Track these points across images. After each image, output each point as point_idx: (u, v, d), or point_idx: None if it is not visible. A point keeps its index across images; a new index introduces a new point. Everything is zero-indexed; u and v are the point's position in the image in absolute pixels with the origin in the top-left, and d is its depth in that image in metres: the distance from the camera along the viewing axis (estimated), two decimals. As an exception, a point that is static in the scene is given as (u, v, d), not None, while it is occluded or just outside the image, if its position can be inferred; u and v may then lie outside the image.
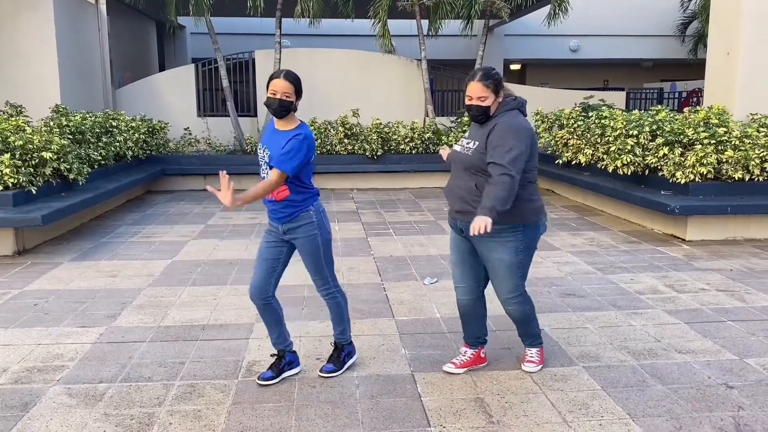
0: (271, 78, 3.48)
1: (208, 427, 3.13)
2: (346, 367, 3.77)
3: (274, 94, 3.42)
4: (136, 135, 10.55)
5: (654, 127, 8.18)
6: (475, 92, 3.40)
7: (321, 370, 3.73)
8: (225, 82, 12.58)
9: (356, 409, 3.32)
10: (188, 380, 3.65)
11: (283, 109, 3.45)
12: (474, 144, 3.46)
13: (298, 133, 3.44)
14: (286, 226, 3.53)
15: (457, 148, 3.59)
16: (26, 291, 5.38)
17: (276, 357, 3.73)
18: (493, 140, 3.35)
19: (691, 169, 7.28)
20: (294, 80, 3.47)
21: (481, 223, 3.14)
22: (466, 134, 3.63)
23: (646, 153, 8.06)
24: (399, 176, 11.81)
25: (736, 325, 4.55)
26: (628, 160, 8.07)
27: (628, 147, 8.11)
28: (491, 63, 17.46)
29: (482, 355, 3.84)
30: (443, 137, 11.98)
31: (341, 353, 3.80)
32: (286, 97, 3.42)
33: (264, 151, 3.51)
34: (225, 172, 3.27)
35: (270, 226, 3.64)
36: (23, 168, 6.93)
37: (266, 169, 3.50)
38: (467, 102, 3.47)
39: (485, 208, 3.20)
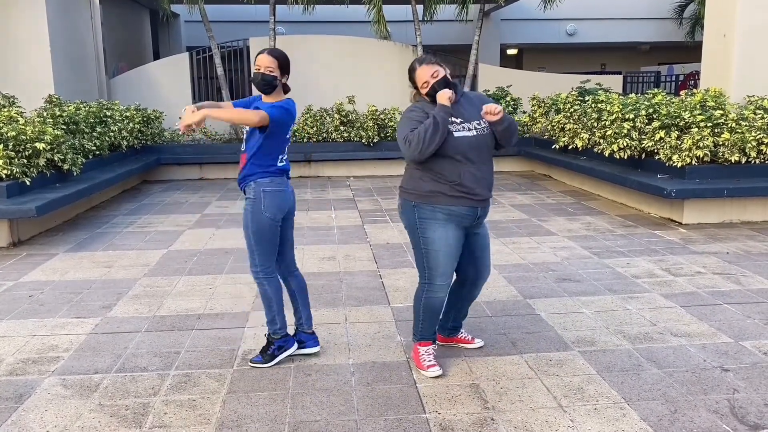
0: (257, 55, 3.52)
1: (203, 416, 3.13)
2: (276, 360, 3.66)
3: (258, 69, 3.46)
4: (131, 124, 10.49)
5: (650, 110, 8.15)
6: (427, 73, 3.37)
7: (251, 360, 3.71)
8: (220, 71, 12.52)
9: (352, 396, 3.32)
10: (183, 370, 3.65)
11: (266, 83, 3.46)
12: (483, 122, 3.42)
13: (280, 103, 3.49)
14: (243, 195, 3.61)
15: (466, 133, 3.35)
16: (21, 282, 5.37)
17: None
18: (491, 104, 3.47)
19: (687, 153, 7.26)
20: (277, 55, 3.50)
21: (495, 108, 3.31)
22: (453, 117, 3.39)
23: (643, 137, 8.04)
24: (395, 163, 11.77)
25: (732, 307, 4.55)
26: (625, 144, 8.05)
27: (625, 131, 8.08)
28: (488, 48, 17.42)
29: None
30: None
31: (270, 346, 3.68)
32: (269, 71, 3.44)
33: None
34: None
35: None
36: (16, 159, 6.89)
37: (244, 139, 3.56)
38: (426, 89, 3.37)
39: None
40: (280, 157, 3.56)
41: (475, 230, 3.54)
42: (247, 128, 3.53)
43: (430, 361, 3.57)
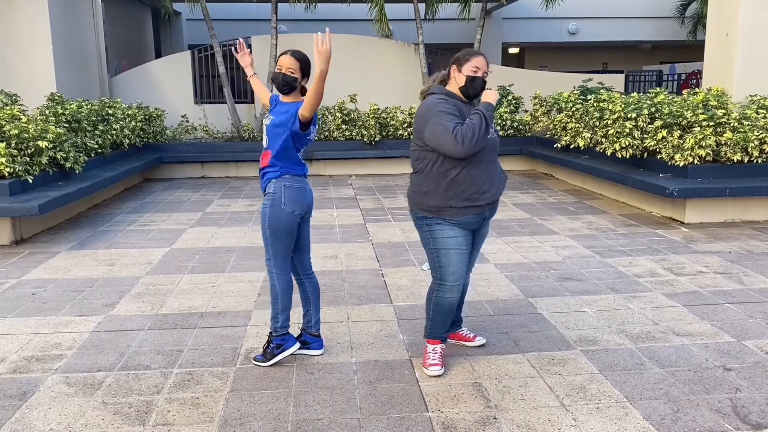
0: (279, 55, 3.56)
1: (206, 415, 3.14)
2: (275, 360, 3.65)
3: (279, 69, 3.51)
4: (133, 123, 10.50)
5: (652, 109, 8.14)
6: (484, 65, 3.39)
7: (254, 358, 3.72)
8: (221, 69, 12.50)
9: (354, 394, 3.33)
10: (186, 368, 3.66)
11: (285, 84, 3.51)
12: (495, 126, 3.46)
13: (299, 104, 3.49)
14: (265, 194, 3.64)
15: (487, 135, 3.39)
16: (24, 280, 5.38)
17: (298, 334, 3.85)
18: None
19: (689, 152, 7.26)
20: (300, 58, 3.54)
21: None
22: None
23: (645, 136, 8.04)
24: (397, 162, 11.78)
25: (734, 307, 4.55)
26: (627, 143, 8.05)
27: (627, 130, 8.08)
28: (489, 46, 17.39)
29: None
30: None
31: (269, 344, 3.68)
32: (290, 72, 3.49)
33: (266, 118, 3.60)
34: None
35: None
36: (19, 157, 6.90)
37: (265, 135, 3.56)
38: (474, 74, 3.34)
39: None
40: (299, 154, 3.58)
41: (477, 229, 3.56)
42: (267, 125, 3.54)
43: (433, 359, 3.58)
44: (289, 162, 3.54)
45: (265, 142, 3.58)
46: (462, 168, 3.31)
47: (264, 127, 3.60)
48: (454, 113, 3.27)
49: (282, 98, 3.61)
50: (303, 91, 3.57)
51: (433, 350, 3.61)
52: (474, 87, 3.36)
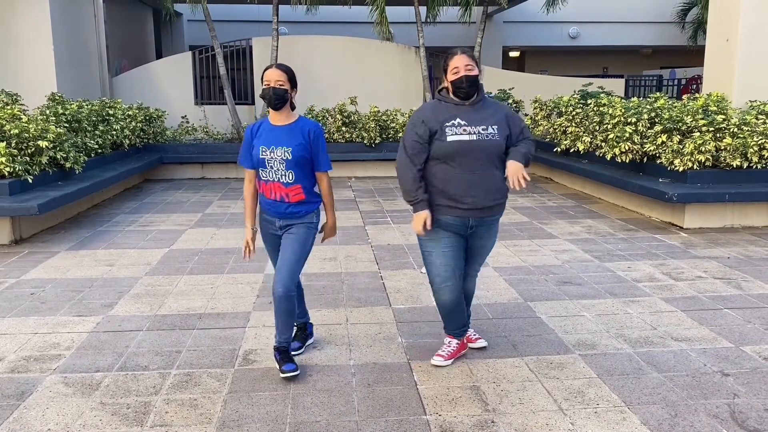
0: (263, 71, 3.52)
1: (204, 416, 3.14)
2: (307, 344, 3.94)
3: (268, 84, 3.46)
4: (133, 123, 10.51)
5: (652, 114, 8.16)
6: (463, 62, 3.38)
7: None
8: (222, 70, 12.51)
9: (352, 397, 3.33)
10: (185, 369, 3.66)
11: (277, 98, 3.46)
12: (495, 128, 3.40)
13: (309, 126, 3.53)
14: (286, 221, 3.54)
15: (462, 137, 3.33)
16: (23, 280, 5.38)
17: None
18: (516, 122, 3.52)
19: (689, 157, 7.26)
20: (286, 70, 3.53)
21: (519, 171, 3.32)
22: (458, 120, 3.37)
23: (645, 140, 8.05)
24: (397, 164, 11.76)
25: (732, 312, 4.55)
26: (627, 147, 8.06)
27: (627, 134, 8.09)
28: (490, 50, 17.42)
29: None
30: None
31: (305, 331, 3.94)
32: (280, 85, 3.46)
33: (274, 152, 3.44)
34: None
35: (264, 220, 3.63)
36: (19, 157, 6.90)
37: (282, 169, 3.45)
38: (455, 77, 3.37)
39: (520, 153, 3.40)
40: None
41: (472, 239, 3.55)
42: (288, 159, 3.43)
43: (442, 351, 3.71)
44: (313, 187, 3.65)
45: (288, 177, 3.45)
46: (444, 167, 3.38)
47: (275, 161, 3.43)
48: (416, 139, 3.40)
49: (272, 117, 3.52)
50: (292, 106, 3.54)
51: (448, 343, 3.75)
52: (458, 87, 3.40)
